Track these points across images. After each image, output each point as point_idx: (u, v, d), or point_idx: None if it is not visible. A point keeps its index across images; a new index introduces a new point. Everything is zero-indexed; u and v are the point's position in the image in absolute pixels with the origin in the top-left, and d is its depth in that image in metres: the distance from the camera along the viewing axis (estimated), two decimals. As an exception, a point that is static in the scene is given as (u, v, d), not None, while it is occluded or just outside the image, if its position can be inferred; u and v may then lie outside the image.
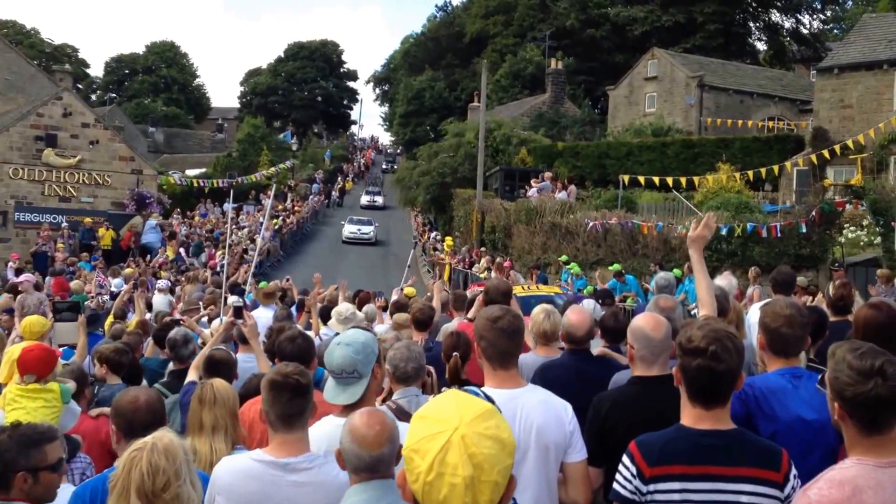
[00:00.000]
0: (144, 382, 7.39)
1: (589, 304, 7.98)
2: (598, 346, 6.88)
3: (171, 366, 7.66)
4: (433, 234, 41.49)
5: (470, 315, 7.65)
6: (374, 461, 3.13)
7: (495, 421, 2.43)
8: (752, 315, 7.52)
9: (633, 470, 3.31)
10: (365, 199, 59.31)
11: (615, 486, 3.39)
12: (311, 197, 52.44)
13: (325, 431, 4.00)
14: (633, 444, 3.39)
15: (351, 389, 4.01)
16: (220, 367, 5.90)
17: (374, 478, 3.13)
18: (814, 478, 2.96)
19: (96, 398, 6.86)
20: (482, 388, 3.26)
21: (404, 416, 4.38)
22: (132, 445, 3.27)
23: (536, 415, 3.93)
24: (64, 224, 33.21)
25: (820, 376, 3.28)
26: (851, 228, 23.91)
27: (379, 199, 59.07)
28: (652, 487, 3.25)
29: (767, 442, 3.47)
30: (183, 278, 23.54)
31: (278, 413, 3.83)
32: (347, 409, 3.93)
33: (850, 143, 27.15)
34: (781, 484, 3.24)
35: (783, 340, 4.15)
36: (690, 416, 3.35)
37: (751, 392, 4.00)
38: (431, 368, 5.28)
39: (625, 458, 3.38)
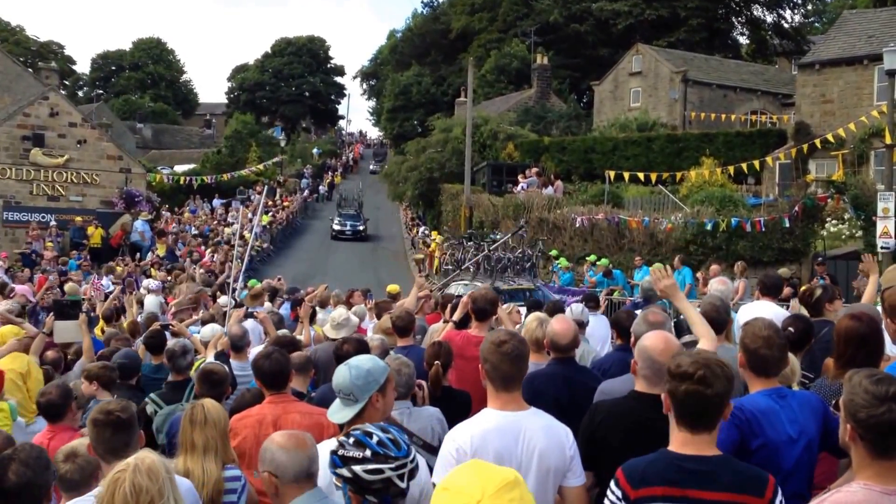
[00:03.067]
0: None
1: (577, 308, 8.05)
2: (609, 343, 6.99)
3: (168, 376, 7.60)
4: (422, 229, 41.72)
5: (455, 318, 7.71)
6: (310, 462, 3.50)
7: (519, 492, 2.43)
8: (742, 316, 7.41)
9: (619, 494, 3.35)
10: (337, 225, 44.15)
11: None
12: (299, 192, 52.58)
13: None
14: (619, 470, 3.43)
15: (345, 410, 4.05)
16: (214, 381, 5.99)
17: (312, 485, 3.50)
18: (815, 497, 3.09)
19: (85, 415, 6.75)
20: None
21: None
22: (116, 467, 3.30)
23: (539, 439, 3.98)
24: (52, 223, 33.29)
25: (834, 401, 3.34)
26: (833, 222, 24.21)
27: (358, 225, 44.56)
28: None
29: (753, 468, 3.47)
30: (171, 276, 23.56)
31: (105, 448, 4.09)
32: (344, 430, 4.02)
33: (830, 136, 27.51)
34: None
35: (763, 361, 4.19)
36: (676, 442, 3.40)
37: (742, 416, 4.03)
38: (423, 382, 5.40)
39: (612, 485, 3.42)
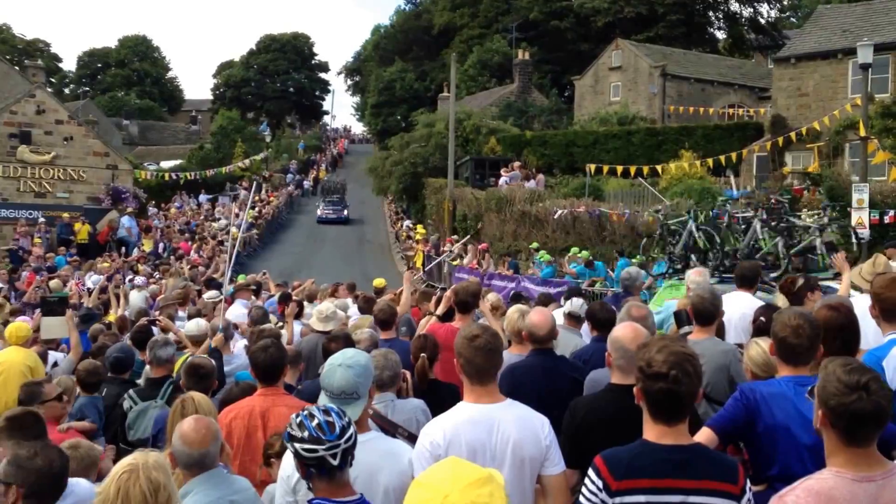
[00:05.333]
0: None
1: (577, 302, 7.92)
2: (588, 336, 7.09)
3: (147, 371, 7.54)
4: (406, 223, 42.04)
5: (438, 312, 7.86)
6: (201, 457, 4.04)
7: (489, 489, 2.49)
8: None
9: (600, 484, 3.35)
10: (321, 210, 48.95)
11: (581, 499, 3.44)
12: (285, 187, 52.79)
13: None
14: (598, 458, 3.44)
15: (349, 410, 3.91)
16: (202, 375, 6.08)
17: (203, 471, 4.05)
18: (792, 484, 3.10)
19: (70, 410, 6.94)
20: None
21: (382, 420, 4.78)
22: (119, 466, 3.28)
23: (513, 429, 4.05)
24: (41, 219, 33.43)
25: (809, 387, 3.32)
26: (809, 213, 24.56)
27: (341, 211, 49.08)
28: (618, 500, 3.33)
29: (725, 456, 3.62)
30: (159, 272, 23.79)
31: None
32: None
33: (803, 130, 28.00)
34: (739, 496, 3.35)
35: (790, 349, 4.24)
36: (654, 432, 3.43)
37: (752, 396, 4.13)
38: (408, 373, 5.55)
39: (591, 473, 3.42)
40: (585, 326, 8.14)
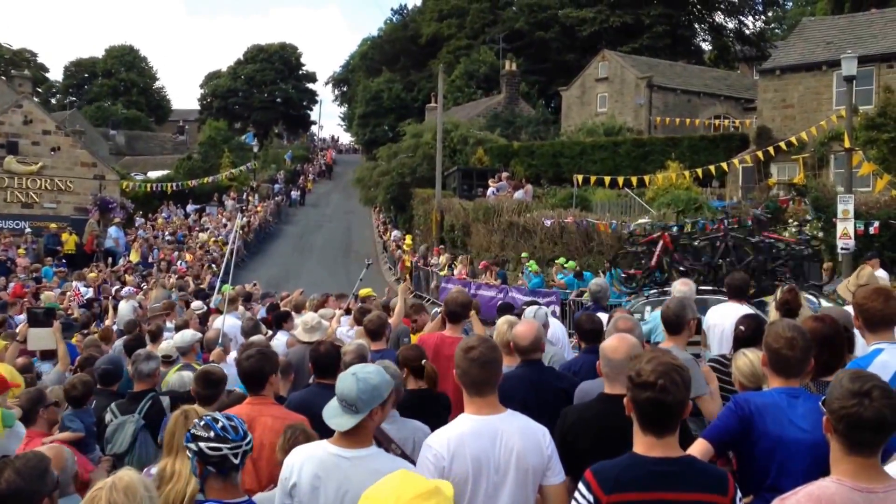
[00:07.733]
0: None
1: (538, 311, 7.96)
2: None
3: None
4: (394, 233, 42.05)
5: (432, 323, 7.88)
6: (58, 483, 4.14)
7: (434, 501, 2.54)
8: (709, 317, 7.84)
9: (591, 498, 3.36)
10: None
11: None
12: (272, 197, 52.67)
13: (311, 454, 4.09)
14: (588, 472, 3.45)
15: (345, 418, 4.01)
16: (212, 381, 6.06)
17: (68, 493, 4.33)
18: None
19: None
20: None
21: (377, 432, 4.67)
22: (95, 485, 3.31)
23: (516, 440, 4.05)
24: (27, 230, 33.36)
25: (823, 398, 3.30)
26: (794, 223, 24.68)
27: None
28: None
29: (715, 468, 3.62)
30: (146, 283, 23.77)
31: None
32: (340, 436, 4.08)
33: (793, 140, 28.17)
34: None
35: (783, 361, 4.24)
36: (643, 445, 3.45)
37: (747, 408, 4.13)
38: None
39: (581, 487, 3.44)
40: (552, 330, 8.33)
